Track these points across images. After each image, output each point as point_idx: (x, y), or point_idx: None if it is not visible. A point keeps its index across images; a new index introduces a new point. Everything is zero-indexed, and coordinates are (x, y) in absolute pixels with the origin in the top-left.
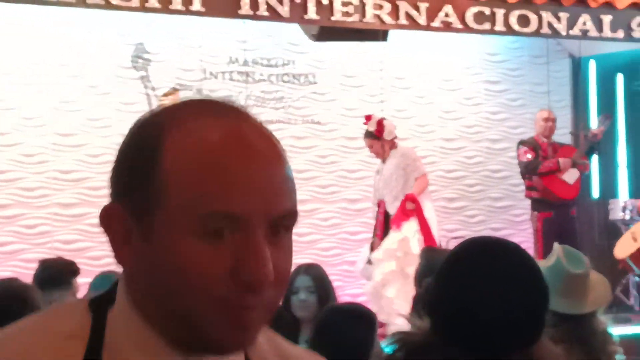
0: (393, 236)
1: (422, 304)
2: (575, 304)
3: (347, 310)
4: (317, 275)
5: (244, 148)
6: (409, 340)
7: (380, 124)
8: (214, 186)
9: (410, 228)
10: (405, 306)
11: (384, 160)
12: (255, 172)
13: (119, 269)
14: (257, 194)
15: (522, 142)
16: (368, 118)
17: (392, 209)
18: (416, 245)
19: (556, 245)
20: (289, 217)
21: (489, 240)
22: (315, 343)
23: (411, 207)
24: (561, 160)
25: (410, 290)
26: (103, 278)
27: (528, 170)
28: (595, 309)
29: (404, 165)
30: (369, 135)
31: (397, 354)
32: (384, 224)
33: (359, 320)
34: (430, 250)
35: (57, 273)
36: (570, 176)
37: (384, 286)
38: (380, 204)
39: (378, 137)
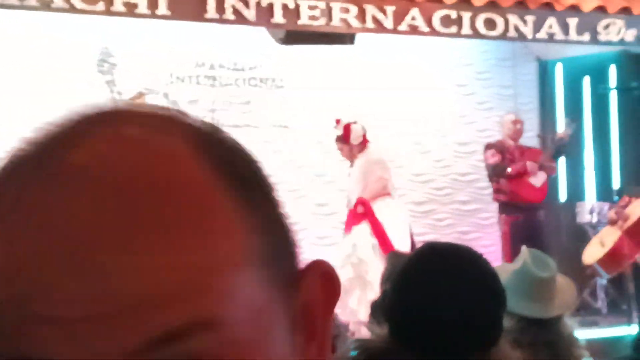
0: (346, 241)
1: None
2: (542, 308)
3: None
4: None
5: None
6: (368, 346)
7: (347, 128)
8: None
9: (360, 232)
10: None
11: (352, 164)
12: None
13: None
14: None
15: (488, 146)
16: (337, 122)
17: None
18: (369, 251)
19: (523, 249)
20: (189, 340)
21: (444, 246)
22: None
23: (361, 211)
24: (529, 163)
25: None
26: None
27: (496, 174)
28: (562, 313)
29: (364, 170)
30: (338, 139)
31: (356, 357)
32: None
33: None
34: (395, 256)
35: None
36: (538, 179)
37: (345, 295)
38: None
39: (346, 142)
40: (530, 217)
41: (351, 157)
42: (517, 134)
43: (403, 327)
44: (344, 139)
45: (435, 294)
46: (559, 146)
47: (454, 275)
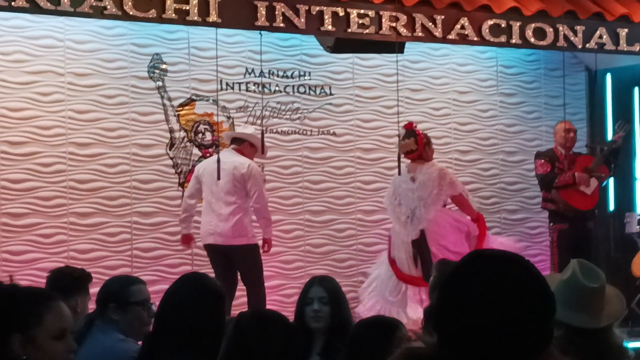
0: None
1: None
2: (591, 318)
3: (376, 323)
4: (330, 287)
5: None
6: (416, 353)
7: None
8: None
9: None
10: None
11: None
12: None
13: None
14: None
15: (539, 154)
16: (408, 124)
17: (431, 213)
18: None
19: (572, 260)
20: None
21: (491, 252)
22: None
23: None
24: (578, 174)
25: None
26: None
27: (544, 185)
28: (611, 323)
29: (444, 179)
30: (408, 136)
31: None
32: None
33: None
34: (443, 263)
35: (72, 279)
36: (589, 187)
37: None
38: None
39: (421, 143)
40: (578, 227)
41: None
42: (570, 142)
43: (450, 334)
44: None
45: (483, 301)
46: (612, 149)
47: (501, 281)
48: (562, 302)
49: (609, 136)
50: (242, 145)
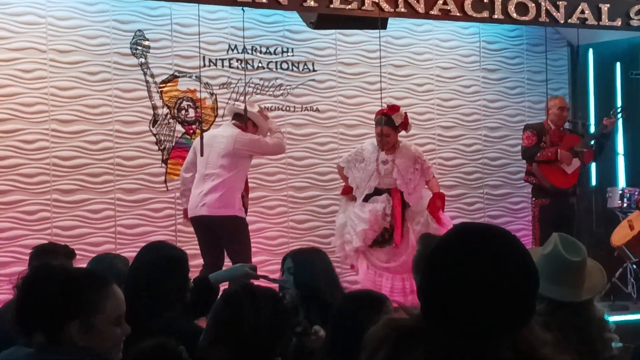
0: None
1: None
2: (572, 292)
3: (362, 297)
4: (298, 257)
5: None
6: (399, 325)
7: (406, 118)
8: None
9: None
10: None
11: (389, 152)
12: None
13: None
14: None
15: (527, 126)
16: (395, 108)
17: (412, 200)
18: None
19: (554, 234)
20: None
21: (477, 226)
22: (336, 333)
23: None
24: (560, 151)
25: None
26: (98, 261)
27: (525, 157)
28: (592, 297)
29: (418, 162)
30: (387, 123)
31: (388, 334)
32: (402, 213)
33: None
34: (427, 237)
35: (53, 256)
36: (570, 166)
37: None
38: (393, 192)
39: (396, 130)
40: (560, 202)
41: (393, 145)
42: (561, 119)
43: (434, 307)
44: (401, 127)
45: (468, 274)
46: (602, 134)
47: (486, 255)
48: (544, 276)
49: (592, 111)
50: (246, 124)
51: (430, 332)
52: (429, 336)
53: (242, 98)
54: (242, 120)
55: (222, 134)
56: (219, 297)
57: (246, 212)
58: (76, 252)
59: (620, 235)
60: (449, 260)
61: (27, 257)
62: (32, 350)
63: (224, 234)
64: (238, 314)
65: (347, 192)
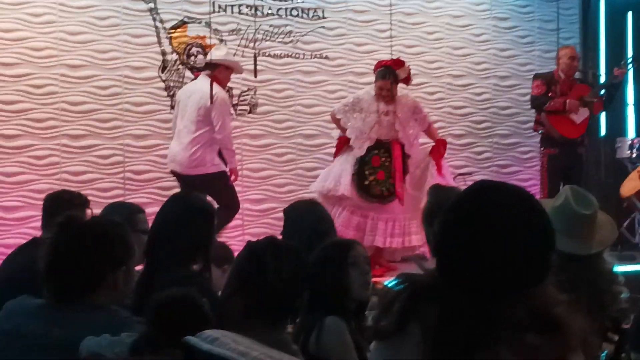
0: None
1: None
2: (582, 245)
3: (330, 245)
4: (289, 215)
5: None
6: (413, 280)
7: (409, 72)
8: None
9: None
10: None
11: (389, 103)
12: None
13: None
14: None
15: (537, 75)
16: (400, 63)
17: (412, 151)
18: None
19: (565, 186)
20: None
21: (495, 184)
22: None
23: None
24: (569, 101)
25: None
26: (113, 208)
27: (534, 106)
28: (602, 249)
29: (417, 112)
30: (392, 77)
31: (401, 290)
32: (403, 165)
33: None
34: (437, 188)
35: (69, 205)
36: (578, 116)
37: None
38: (394, 144)
39: (397, 83)
40: (568, 151)
41: (391, 97)
42: (571, 69)
43: (449, 263)
44: (403, 82)
45: (484, 232)
46: (611, 84)
47: (503, 213)
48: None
49: (602, 61)
50: (216, 70)
51: (444, 288)
52: (444, 293)
53: (251, 44)
54: (211, 67)
55: (199, 87)
56: (243, 249)
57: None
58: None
59: (629, 187)
60: (466, 218)
61: (36, 202)
62: (42, 301)
63: (202, 189)
64: (261, 266)
65: (343, 142)
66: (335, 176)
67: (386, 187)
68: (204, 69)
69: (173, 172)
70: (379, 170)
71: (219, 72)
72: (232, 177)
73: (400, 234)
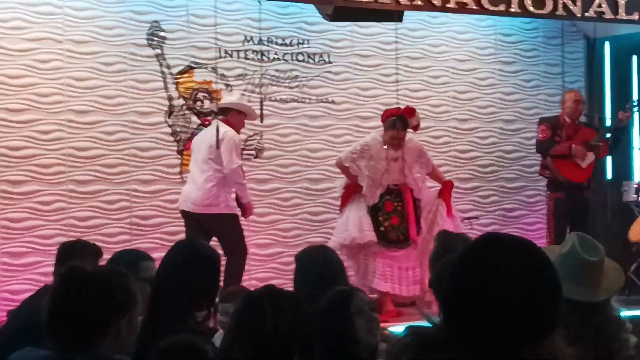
0: None
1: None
2: (590, 292)
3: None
4: (300, 260)
5: None
6: (421, 333)
7: (419, 120)
8: None
9: None
10: None
11: (397, 149)
12: None
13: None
14: None
15: (542, 120)
16: (411, 111)
17: (421, 195)
18: None
19: (572, 233)
20: None
21: (503, 237)
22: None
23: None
24: (574, 147)
25: None
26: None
27: (539, 150)
28: (609, 296)
29: (422, 155)
30: (404, 127)
31: (409, 342)
32: (415, 209)
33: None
34: (444, 234)
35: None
36: (584, 160)
37: None
38: (404, 189)
39: (406, 130)
40: (575, 195)
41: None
42: (576, 113)
43: (457, 316)
44: (413, 129)
45: (492, 286)
46: (617, 128)
47: (511, 267)
48: (561, 276)
49: (607, 105)
50: (229, 114)
51: (452, 341)
52: (451, 346)
53: (257, 89)
54: (224, 112)
55: (211, 130)
56: (241, 298)
57: (246, 202)
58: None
59: (637, 231)
60: (475, 272)
61: (42, 248)
62: (47, 352)
63: (211, 230)
64: (259, 315)
65: (352, 190)
66: (356, 224)
67: (401, 232)
68: (219, 113)
69: (183, 213)
70: (392, 216)
71: (232, 116)
72: (247, 213)
73: (419, 281)
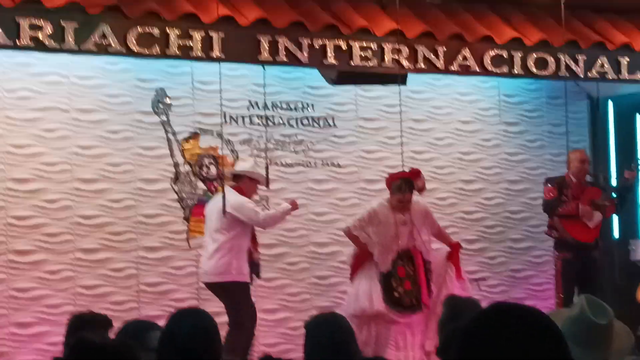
0: None
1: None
2: (600, 355)
3: None
4: (309, 329)
5: None
6: None
7: (424, 181)
8: None
9: None
10: None
11: (404, 212)
12: None
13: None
14: None
15: (548, 180)
16: (417, 173)
17: (432, 257)
18: None
19: (581, 295)
20: None
21: (511, 306)
22: None
23: None
24: (582, 207)
25: None
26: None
27: (546, 210)
28: (620, 358)
29: (428, 217)
30: (411, 189)
31: None
32: (425, 272)
33: None
34: (452, 299)
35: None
36: (592, 220)
37: None
38: (414, 252)
39: (412, 192)
40: (583, 255)
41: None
42: (582, 172)
43: None
44: (419, 192)
45: (501, 356)
46: (623, 187)
47: (520, 337)
48: (571, 339)
49: (612, 164)
50: (241, 181)
51: None
52: None
53: (263, 154)
54: (235, 179)
55: (221, 198)
56: None
57: (258, 267)
58: (99, 311)
59: None
60: (483, 342)
61: (50, 317)
62: None
63: (220, 299)
64: None
65: (363, 259)
66: (366, 295)
67: (414, 296)
68: (234, 179)
69: (204, 284)
70: (405, 281)
71: (243, 183)
72: (293, 205)
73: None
